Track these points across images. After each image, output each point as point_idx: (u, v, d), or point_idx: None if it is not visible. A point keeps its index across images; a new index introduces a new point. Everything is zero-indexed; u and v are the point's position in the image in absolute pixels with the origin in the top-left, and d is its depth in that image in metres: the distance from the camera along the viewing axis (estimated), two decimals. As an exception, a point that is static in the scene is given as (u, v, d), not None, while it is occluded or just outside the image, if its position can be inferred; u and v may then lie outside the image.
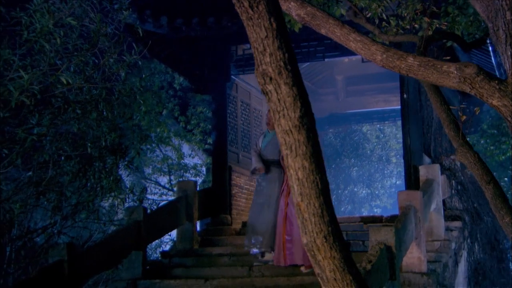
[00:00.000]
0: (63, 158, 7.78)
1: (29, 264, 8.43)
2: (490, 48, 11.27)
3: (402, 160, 24.88)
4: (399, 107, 16.73)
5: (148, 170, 19.42)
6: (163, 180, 19.33)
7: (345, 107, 17.06)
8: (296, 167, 2.85)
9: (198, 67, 11.63)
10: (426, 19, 5.48)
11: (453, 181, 10.50)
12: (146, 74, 10.76)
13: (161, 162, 18.79)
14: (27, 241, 7.84)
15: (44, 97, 6.77)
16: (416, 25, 5.90)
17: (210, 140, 16.66)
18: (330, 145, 20.69)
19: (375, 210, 24.13)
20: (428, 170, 9.33)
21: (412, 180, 10.00)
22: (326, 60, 11.77)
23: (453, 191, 10.44)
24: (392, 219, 10.71)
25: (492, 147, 17.99)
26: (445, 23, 5.56)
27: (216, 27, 10.53)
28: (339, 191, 21.01)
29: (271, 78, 3.00)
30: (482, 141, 18.08)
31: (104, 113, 7.59)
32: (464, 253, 9.98)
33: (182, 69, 12.16)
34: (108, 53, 7.33)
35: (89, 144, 7.46)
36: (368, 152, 23.03)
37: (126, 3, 7.58)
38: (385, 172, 24.32)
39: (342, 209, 21.06)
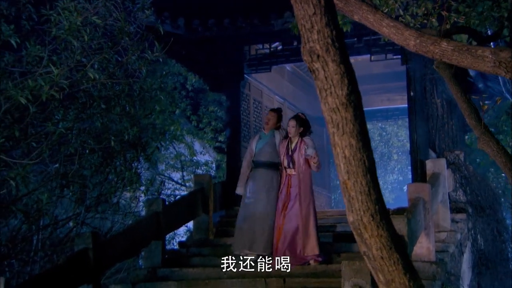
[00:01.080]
0: (87, 151, 7.71)
1: (53, 253, 8.38)
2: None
3: (403, 157, 24.88)
4: (402, 105, 16.73)
5: (161, 166, 19.33)
6: (176, 175, 19.23)
7: (351, 105, 16.89)
8: (343, 145, 2.77)
9: (213, 67, 11.53)
10: (444, 13, 5.35)
11: (457, 175, 10.36)
12: (161, 75, 10.70)
13: (174, 159, 18.63)
14: (53, 231, 7.78)
15: (70, 93, 6.68)
16: (433, 20, 5.76)
17: (221, 138, 16.64)
18: (329, 142, 20.46)
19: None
20: (434, 164, 9.21)
21: (419, 174, 9.91)
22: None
23: (457, 185, 10.30)
24: (398, 211, 10.61)
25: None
26: (463, 17, 5.42)
27: (231, 28, 10.45)
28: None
29: (318, 56, 2.85)
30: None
31: (127, 108, 7.50)
32: (469, 244, 9.86)
33: (197, 68, 12.09)
34: (130, 51, 7.24)
35: (112, 138, 7.37)
36: (373, 149, 22.84)
37: (148, 2, 7.48)
38: (388, 168, 24.18)
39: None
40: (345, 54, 2.91)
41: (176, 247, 10.22)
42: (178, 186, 19.18)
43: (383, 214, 2.85)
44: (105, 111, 7.32)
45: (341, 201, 20.62)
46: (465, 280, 9.18)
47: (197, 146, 18.63)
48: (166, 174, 19.43)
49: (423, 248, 7.60)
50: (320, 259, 7.98)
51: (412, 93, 10.23)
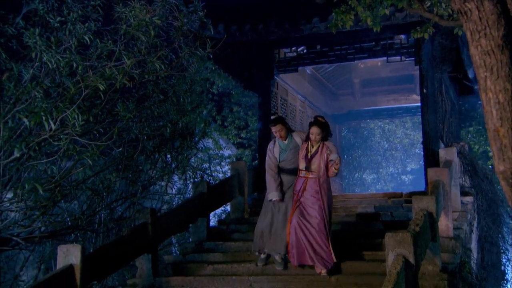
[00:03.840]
0: (145, 137, 7.52)
1: (112, 227, 8.22)
2: None
3: (401, 152, 24.60)
4: (406, 105, 16.58)
5: (191, 159, 19.24)
6: (204, 166, 19.16)
7: (360, 105, 16.73)
8: (497, 90, 2.34)
9: (247, 68, 11.32)
10: None
11: (464, 163, 10.12)
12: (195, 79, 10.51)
13: (203, 152, 18.54)
14: (114, 208, 7.61)
15: (134, 84, 6.48)
16: None
17: (243, 134, 16.57)
18: (345, 137, 20.34)
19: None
20: (447, 152, 8.96)
21: (431, 161, 9.66)
22: (354, 62, 11.47)
23: (463, 171, 10.06)
24: (410, 194, 10.41)
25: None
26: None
27: (264, 32, 10.25)
28: (351, 176, 20.65)
29: (472, -5, 2.41)
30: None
31: (181, 99, 7.30)
32: (475, 223, 9.62)
33: (232, 69, 11.89)
34: (186, 47, 7.05)
35: (169, 125, 7.18)
36: (376, 144, 22.72)
37: (200, 6, 7.28)
38: (389, 161, 23.97)
39: (357, 190, 20.70)
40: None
41: (216, 224, 10.00)
42: (206, 176, 19.13)
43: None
44: (163, 102, 7.11)
45: (350, 188, 20.61)
46: (475, 253, 8.96)
47: (221, 142, 18.57)
48: (195, 165, 19.38)
49: (443, 225, 7.36)
50: (330, 267, 6.78)
51: (425, 90, 9.99)
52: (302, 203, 6.98)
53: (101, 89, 5.26)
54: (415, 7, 5.63)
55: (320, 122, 7.07)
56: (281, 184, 7.29)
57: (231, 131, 17.39)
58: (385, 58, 10.73)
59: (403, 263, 4.78)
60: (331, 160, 6.98)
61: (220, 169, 17.31)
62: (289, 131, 7.40)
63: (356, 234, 8.23)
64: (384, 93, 16.28)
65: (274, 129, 7.30)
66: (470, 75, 12.56)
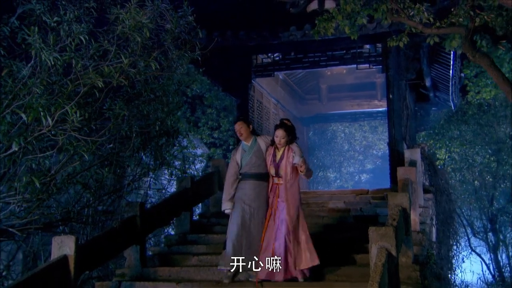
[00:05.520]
0: (134, 135, 7.24)
1: (100, 220, 7.92)
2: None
3: (361, 153, 24.77)
4: (369, 110, 16.65)
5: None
6: (176, 164, 18.94)
7: (327, 109, 16.72)
8: None
9: (227, 71, 11.11)
10: (476, 11, 5.00)
11: (424, 163, 10.14)
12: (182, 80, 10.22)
13: (179, 151, 18.33)
14: (104, 201, 7.30)
15: (127, 83, 6.19)
16: (460, 19, 5.36)
17: (215, 134, 16.44)
18: (311, 139, 20.33)
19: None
20: (411, 153, 8.91)
21: (396, 161, 9.65)
22: (326, 68, 11.40)
23: (424, 171, 10.08)
24: (376, 192, 10.41)
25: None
26: (491, 15, 5.02)
27: (245, 39, 10.05)
28: (316, 174, 20.65)
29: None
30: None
31: (170, 98, 7.05)
32: (434, 218, 9.64)
33: (212, 73, 11.62)
34: (175, 50, 6.80)
35: (158, 123, 6.92)
36: (338, 146, 22.83)
37: (189, 11, 7.05)
38: (349, 161, 24.10)
39: (320, 187, 20.71)
40: None
41: (197, 218, 9.75)
42: (179, 173, 18.89)
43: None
44: (152, 101, 6.85)
45: (314, 185, 20.65)
46: (435, 244, 8.98)
47: (194, 142, 18.39)
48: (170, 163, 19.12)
49: (411, 220, 7.30)
50: (307, 275, 6.12)
51: (391, 96, 9.99)
52: (275, 212, 6.16)
53: (100, 86, 5.00)
54: (400, 15, 5.52)
55: (285, 125, 6.26)
56: (243, 191, 6.35)
57: (204, 132, 17.25)
58: (355, 65, 10.69)
59: (387, 256, 4.66)
60: (295, 163, 6.15)
61: (193, 167, 17.07)
62: (253, 133, 6.58)
63: (329, 228, 8.11)
64: (348, 99, 16.33)
65: (236, 127, 6.51)
66: (428, 84, 12.68)
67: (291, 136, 6.28)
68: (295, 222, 6.12)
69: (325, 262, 6.44)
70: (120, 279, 6.52)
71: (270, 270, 5.97)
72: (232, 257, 6.11)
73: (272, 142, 6.37)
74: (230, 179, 6.52)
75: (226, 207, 6.51)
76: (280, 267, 5.96)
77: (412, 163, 8.61)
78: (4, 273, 7.00)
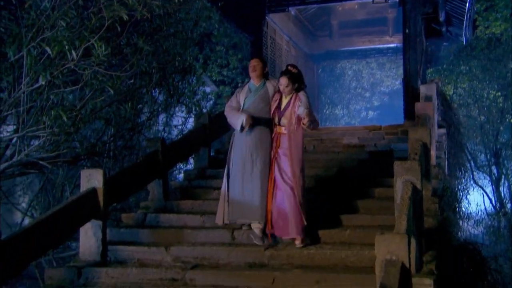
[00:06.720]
0: (153, 71, 7.07)
1: (120, 154, 7.91)
2: None
3: (368, 90, 24.52)
4: (380, 46, 16.27)
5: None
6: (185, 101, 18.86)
7: (337, 45, 16.36)
8: None
9: (240, 7, 10.73)
10: None
11: (438, 98, 9.97)
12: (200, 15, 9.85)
13: (197, 85, 18.15)
14: (129, 136, 7.25)
15: (147, 17, 5.94)
16: None
17: (224, 72, 16.15)
18: (320, 76, 20.04)
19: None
20: (427, 88, 8.72)
21: (410, 97, 9.49)
22: (342, 2, 11.04)
23: (438, 105, 9.93)
24: (389, 127, 10.31)
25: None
26: None
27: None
28: (324, 111, 20.50)
29: None
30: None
31: (189, 33, 6.82)
32: (446, 151, 9.59)
33: (227, 10, 11.25)
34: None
35: (178, 58, 6.72)
36: (346, 83, 22.54)
37: None
38: (358, 98, 23.90)
39: (328, 123, 20.62)
40: None
41: (214, 154, 9.72)
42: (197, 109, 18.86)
43: None
44: (171, 35, 6.62)
45: (322, 120, 20.56)
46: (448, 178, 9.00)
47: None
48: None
49: (428, 154, 7.25)
50: (302, 237, 5.41)
51: (407, 31, 9.67)
52: (277, 162, 5.54)
53: (124, 19, 4.79)
54: None
55: (290, 72, 5.58)
56: (243, 138, 5.59)
57: (214, 69, 16.98)
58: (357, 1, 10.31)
59: (412, 189, 4.61)
60: (299, 114, 5.48)
61: (204, 104, 16.95)
62: (265, 77, 5.88)
63: (345, 163, 8.05)
64: (359, 35, 15.95)
65: (252, 62, 5.84)
66: (441, 18, 12.27)
67: (298, 84, 5.62)
68: (297, 177, 5.46)
69: (344, 197, 6.45)
70: (145, 211, 6.55)
71: (275, 224, 5.45)
72: (233, 210, 5.56)
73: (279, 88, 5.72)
74: (233, 110, 5.73)
75: (240, 119, 5.50)
76: (281, 223, 5.40)
77: (428, 98, 8.45)
78: (33, 203, 7.07)
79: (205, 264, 5.30)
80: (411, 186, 4.64)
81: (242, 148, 5.59)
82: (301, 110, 5.47)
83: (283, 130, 5.59)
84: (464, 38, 14.52)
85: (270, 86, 5.80)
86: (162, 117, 9.94)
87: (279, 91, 5.71)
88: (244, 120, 5.47)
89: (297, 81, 5.61)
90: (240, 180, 5.56)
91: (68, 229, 5.08)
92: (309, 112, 5.43)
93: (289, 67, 5.71)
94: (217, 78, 17.29)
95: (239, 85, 14.77)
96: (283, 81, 5.54)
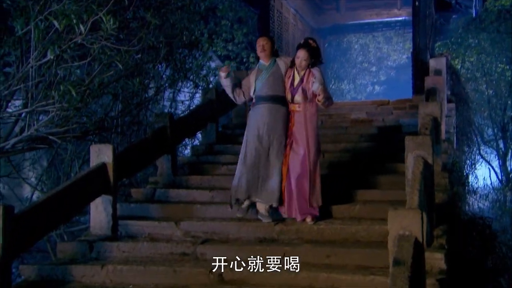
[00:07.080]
0: (161, 45, 6.98)
1: (128, 129, 7.88)
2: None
3: (375, 64, 24.31)
4: (388, 19, 16.03)
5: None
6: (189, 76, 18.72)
7: (344, 19, 16.12)
8: None
9: (248, -19, 10.57)
10: None
11: (447, 72, 9.84)
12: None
13: (204, 60, 17.93)
14: (137, 111, 7.21)
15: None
16: None
17: (229, 47, 15.94)
18: (326, 51, 19.82)
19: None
20: (437, 62, 8.58)
21: (419, 70, 9.37)
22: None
23: (447, 79, 9.81)
24: (397, 102, 10.22)
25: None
26: None
27: None
28: (330, 86, 20.36)
29: None
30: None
31: (197, 7, 6.70)
32: (455, 127, 9.51)
33: (234, -17, 11.09)
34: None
35: (186, 33, 6.63)
36: (353, 57, 22.31)
37: None
38: (365, 73, 23.68)
39: (335, 98, 20.53)
40: None
41: (221, 129, 9.67)
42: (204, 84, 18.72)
43: None
44: (179, 9, 6.51)
45: (331, 94, 20.43)
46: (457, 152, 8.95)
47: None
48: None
49: (439, 129, 7.18)
50: (316, 214, 5.35)
51: (417, 3, 9.47)
52: (292, 141, 5.40)
53: (133, -9, 4.71)
54: None
55: (309, 46, 5.35)
56: (258, 117, 5.50)
57: (219, 44, 16.77)
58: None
59: (423, 164, 4.56)
60: (313, 90, 5.28)
61: (209, 79, 16.79)
62: (275, 55, 5.66)
63: (354, 138, 8.00)
64: (367, 8, 15.70)
65: (260, 41, 5.59)
66: (450, -9, 12.06)
67: (314, 59, 5.38)
68: (313, 156, 5.33)
69: (354, 172, 6.43)
70: (154, 186, 6.55)
71: (288, 205, 5.35)
72: (246, 192, 5.39)
73: (292, 64, 5.47)
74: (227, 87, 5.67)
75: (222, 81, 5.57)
76: (295, 204, 5.30)
77: (438, 72, 8.33)
78: (42, 178, 7.08)
79: (215, 238, 5.30)
80: (422, 161, 4.59)
81: (260, 127, 5.45)
82: (315, 86, 5.27)
83: (297, 107, 5.40)
84: (474, 10, 14.29)
85: (281, 63, 5.58)
86: (168, 93, 9.86)
87: (291, 67, 5.48)
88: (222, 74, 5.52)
89: (314, 56, 5.38)
90: (256, 159, 5.41)
91: (79, 204, 5.09)
92: (324, 88, 5.25)
93: (309, 41, 5.46)
94: (222, 53, 17.14)
95: (244, 60, 14.64)
96: (302, 54, 5.30)
